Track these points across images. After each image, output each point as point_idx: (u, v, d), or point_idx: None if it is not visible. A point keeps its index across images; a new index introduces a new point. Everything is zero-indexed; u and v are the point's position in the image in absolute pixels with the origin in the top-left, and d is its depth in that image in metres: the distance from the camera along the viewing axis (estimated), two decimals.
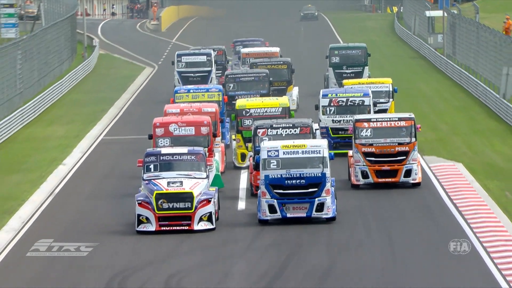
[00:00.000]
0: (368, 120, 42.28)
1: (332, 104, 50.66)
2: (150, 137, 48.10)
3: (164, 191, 37.66)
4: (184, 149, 41.11)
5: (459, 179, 51.65)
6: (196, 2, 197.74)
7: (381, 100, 52.62)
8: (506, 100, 76.57)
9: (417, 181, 41.62)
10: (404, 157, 40.70)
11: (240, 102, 52.18)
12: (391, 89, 53.99)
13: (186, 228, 37.17)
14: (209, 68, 76.11)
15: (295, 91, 68.95)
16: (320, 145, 37.97)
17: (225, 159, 51.04)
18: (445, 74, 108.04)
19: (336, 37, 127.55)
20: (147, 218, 37.05)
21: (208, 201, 37.31)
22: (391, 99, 54.03)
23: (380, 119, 42.59)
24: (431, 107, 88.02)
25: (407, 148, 40.82)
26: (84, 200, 54.54)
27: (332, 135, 50.13)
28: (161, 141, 46.77)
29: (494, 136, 71.80)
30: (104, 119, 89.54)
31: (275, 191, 36.58)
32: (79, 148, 73.20)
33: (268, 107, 49.83)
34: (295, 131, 43.83)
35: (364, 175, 41.79)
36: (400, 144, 40.90)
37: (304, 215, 36.60)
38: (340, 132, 49.81)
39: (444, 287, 29.48)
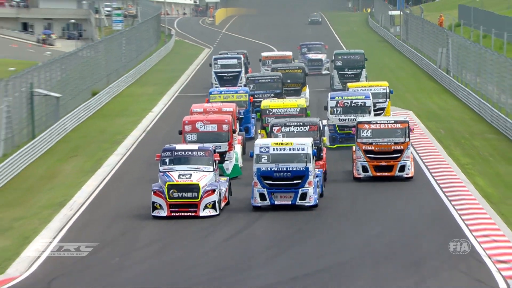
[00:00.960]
0: (369, 122, 44.30)
1: (338, 105, 52.97)
2: (180, 132, 49.97)
3: (175, 182, 39.97)
4: (195, 146, 43.70)
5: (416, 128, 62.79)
6: (237, 4, 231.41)
7: (380, 100, 55.73)
8: (441, 70, 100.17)
9: (410, 175, 43.58)
10: (399, 155, 42.52)
11: (265, 103, 54.99)
12: (387, 91, 56.90)
13: (193, 214, 39.38)
14: (239, 69, 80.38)
15: (307, 90, 72.16)
16: (305, 143, 40.41)
17: (245, 149, 52.91)
18: (401, 53, 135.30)
19: (336, 37, 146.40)
20: (160, 205, 39.40)
21: (213, 191, 39.61)
22: (388, 99, 57.05)
23: (379, 122, 45.05)
24: (393, 74, 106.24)
25: (401, 147, 42.69)
26: (164, 135, 69.43)
27: (338, 131, 52.49)
28: (189, 136, 49.05)
29: (433, 93, 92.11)
30: (178, 82, 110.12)
31: (265, 181, 39.13)
32: (162, 101, 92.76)
33: (288, 107, 52.50)
34: (305, 128, 45.51)
35: (365, 169, 43.58)
36: (395, 143, 42.69)
37: (290, 202, 39.00)
38: (345, 129, 52.01)
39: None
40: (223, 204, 39.73)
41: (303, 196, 37.92)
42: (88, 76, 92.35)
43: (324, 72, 74.36)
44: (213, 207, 38.46)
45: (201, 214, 38.17)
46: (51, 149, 67.56)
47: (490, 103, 73.57)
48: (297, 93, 65.74)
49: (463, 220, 40.47)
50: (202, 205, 38.32)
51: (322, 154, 44.22)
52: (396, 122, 43.27)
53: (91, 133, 76.17)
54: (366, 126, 42.99)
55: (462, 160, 56.66)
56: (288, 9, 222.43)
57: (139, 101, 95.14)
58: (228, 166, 45.73)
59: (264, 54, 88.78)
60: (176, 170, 40.45)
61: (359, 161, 43.27)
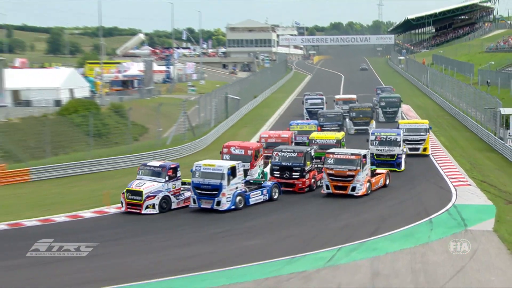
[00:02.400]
0: (333, 153, 46.13)
1: (376, 139, 54.93)
2: (220, 153, 53.08)
3: (131, 188, 44.39)
4: (158, 163, 47.31)
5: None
6: (323, 53, 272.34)
7: (421, 133, 58.62)
8: (423, 84, 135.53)
9: (359, 194, 45.42)
10: (351, 179, 44.47)
11: (312, 135, 56.94)
12: (427, 127, 58.98)
13: (138, 211, 43.82)
14: (322, 107, 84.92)
15: (374, 123, 74.76)
16: (222, 166, 44.41)
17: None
18: (404, 77, 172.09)
19: (378, 79, 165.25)
20: (122, 203, 44.30)
21: (154, 196, 43.80)
22: (427, 133, 59.24)
23: (339, 153, 46.82)
24: (398, 85, 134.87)
25: (353, 173, 44.56)
26: (290, 116, 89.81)
27: (376, 158, 53.74)
28: (225, 156, 51.55)
29: (418, 96, 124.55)
30: (296, 91, 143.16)
31: (196, 190, 44.13)
32: (288, 99, 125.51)
33: (327, 139, 54.44)
34: (294, 154, 48.53)
35: (327, 187, 46.05)
36: (349, 170, 44.67)
37: (209, 206, 43.65)
38: (380, 156, 54.18)
39: None
40: (181, 205, 45.26)
41: (218, 203, 43.16)
42: (252, 88, 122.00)
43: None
44: (154, 207, 43.59)
45: (143, 211, 43.20)
46: (235, 124, 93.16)
47: (448, 101, 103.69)
48: (366, 124, 70.53)
49: (436, 161, 60.24)
50: (144, 206, 43.18)
51: (304, 173, 48.43)
52: (352, 154, 45.90)
53: (252, 116, 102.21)
54: (331, 155, 46.20)
55: (434, 129, 76.61)
56: (348, 55, 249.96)
57: (276, 100, 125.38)
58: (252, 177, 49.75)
59: (337, 96, 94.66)
60: (138, 179, 45.54)
61: (324, 180, 46.94)
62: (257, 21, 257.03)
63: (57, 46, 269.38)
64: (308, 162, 47.93)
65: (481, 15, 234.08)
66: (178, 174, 44.98)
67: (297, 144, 57.08)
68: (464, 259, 30.54)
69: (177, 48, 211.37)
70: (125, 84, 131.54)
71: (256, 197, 45.15)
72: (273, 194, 45.87)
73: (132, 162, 61.78)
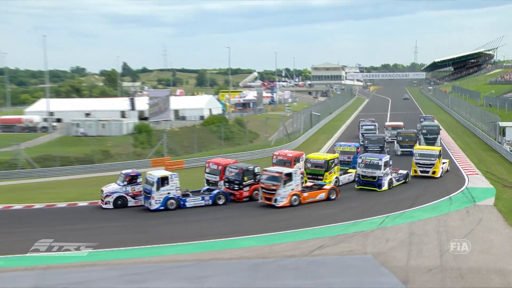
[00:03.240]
0: (265, 171, 39.66)
1: (362, 162, 44.58)
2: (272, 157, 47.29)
3: (102, 188, 39.78)
4: (125, 171, 40.68)
5: None
6: (375, 84, 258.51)
7: (431, 159, 48.75)
8: (449, 108, 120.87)
9: (280, 205, 38.28)
10: (274, 192, 38.00)
11: (308, 155, 47.25)
12: (438, 153, 49.26)
13: (102, 206, 38.86)
14: (375, 131, 70.89)
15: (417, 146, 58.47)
16: (154, 176, 38.34)
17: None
18: (432, 101, 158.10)
19: (418, 108, 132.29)
20: (101, 198, 39.08)
21: (109, 195, 38.65)
22: (438, 159, 49.13)
23: (269, 171, 39.68)
24: (430, 109, 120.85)
25: (275, 188, 38.12)
26: (351, 130, 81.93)
27: (361, 178, 43.65)
28: (273, 160, 45.85)
29: (442, 113, 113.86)
30: (357, 110, 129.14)
31: (144, 193, 38.74)
32: (353, 115, 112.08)
33: (318, 159, 44.63)
34: (236, 171, 41.26)
35: (261, 198, 39.19)
36: (273, 185, 38.28)
37: (146, 205, 38.40)
38: (364, 177, 43.87)
39: None
40: (138, 204, 38.99)
41: (150, 203, 37.76)
42: (328, 108, 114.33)
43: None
44: (109, 203, 38.40)
45: (103, 206, 38.43)
46: (317, 131, 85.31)
47: (462, 117, 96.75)
48: (411, 147, 57.28)
49: (454, 158, 57.72)
50: (104, 201, 38.51)
51: (242, 186, 40.80)
52: (276, 172, 39.38)
53: (328, 126, 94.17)
54: (264, 173, 39.65)
55: (452, 135, 76.98)
56: (393, 86, 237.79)
57: (344, 116, 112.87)
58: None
59: (387, 123, 78.85)
60: (113, 183, 40.39)
61: (258, 193, 40.12)
62: (332, 63, 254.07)
63: (202, 81, 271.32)
64: (246, 178, 40.64)
65: (485, 59, 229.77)
66: (138, 180, 39.24)
67: (341, 162, 47.46)
68: (473, 224, 30.94)
69: (278, 81, 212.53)
70: (244, 105, 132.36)
71: (195, 201, 38.78)
72: (217, 200, 39.29)
73: (248, 156, 60.66)
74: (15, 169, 57.95)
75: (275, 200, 38.03)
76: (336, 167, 45.03)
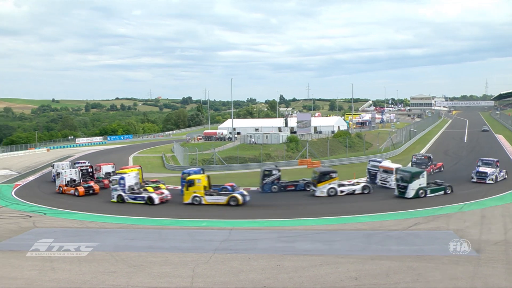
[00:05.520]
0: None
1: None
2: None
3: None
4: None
5: None
6: (457, 109, 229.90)
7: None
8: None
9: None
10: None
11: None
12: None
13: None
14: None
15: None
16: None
17: None
18: (499, 122, 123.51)
19: (496, 138, 79.27)
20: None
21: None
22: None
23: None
24: (497, 128, 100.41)
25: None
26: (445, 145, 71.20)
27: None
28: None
29: (507, 131, 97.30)
30: (444, 127, 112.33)
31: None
32: (439, 133, 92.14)
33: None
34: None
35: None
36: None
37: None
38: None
39: None
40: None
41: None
42: (422, 125, 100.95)
43: (488, 181, 36.93)
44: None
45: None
46: (414, 142, 76.17)
47: None
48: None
49: None
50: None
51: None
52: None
53: (422, 139, 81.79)
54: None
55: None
56: (469, 110, 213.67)
57: (434, 132, 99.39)
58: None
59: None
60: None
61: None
62: (424, 94, 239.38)
63: (333, 107, 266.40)
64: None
65: None
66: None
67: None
68: None
69: (387, 107, 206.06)
70: (362, 123, 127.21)
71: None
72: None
73: (363, 160, 56.13)
74: (212, 164, 59.23)
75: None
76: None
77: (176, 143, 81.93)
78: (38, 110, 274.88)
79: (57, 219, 29.41)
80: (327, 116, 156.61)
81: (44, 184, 47.65)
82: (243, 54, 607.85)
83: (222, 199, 33.18)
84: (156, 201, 33.96)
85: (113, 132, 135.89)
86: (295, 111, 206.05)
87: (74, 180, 41.43)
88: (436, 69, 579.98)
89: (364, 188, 36.27)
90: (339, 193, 35.83)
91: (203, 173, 38.45)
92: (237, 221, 27.84)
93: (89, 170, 46.87)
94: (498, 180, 38.80)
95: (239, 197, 32.98)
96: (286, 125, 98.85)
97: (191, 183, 33.90)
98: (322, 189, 35.90)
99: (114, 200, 35.42)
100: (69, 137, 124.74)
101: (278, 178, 39.22)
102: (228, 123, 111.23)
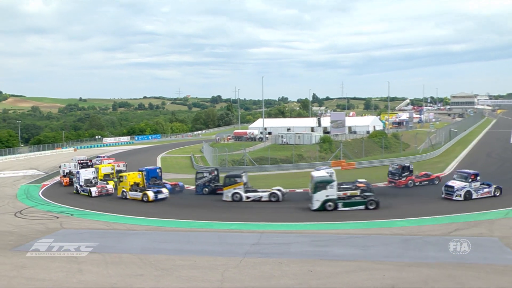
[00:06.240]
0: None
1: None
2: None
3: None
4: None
5: None
6: (502, 108, 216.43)
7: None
8: None
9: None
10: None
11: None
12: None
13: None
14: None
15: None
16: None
17: None
18: None
19: None
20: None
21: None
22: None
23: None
24: None
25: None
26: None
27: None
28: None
29: None
30: (487, 127, 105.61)
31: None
32: (481, 134, 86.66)
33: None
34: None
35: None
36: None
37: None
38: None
39: None
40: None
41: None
42: (463, 125, 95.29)
43: (454, 198, 32.27)
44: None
45: (454, 198, 32.38)
46: (454, 143, 70.88)
47: None
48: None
49: None
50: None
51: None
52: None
53: (464, 139, 77.54)
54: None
55: None
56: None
57: (476, 132, 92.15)
58: None
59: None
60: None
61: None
62: (466, 92, 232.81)
63: (368, 106, 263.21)
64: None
65: None
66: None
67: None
68: None
69: (425, 106, 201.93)
70: (399, 123, 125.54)
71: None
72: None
73: (399, 162, 54.43)
74: (242, 165, 58.85)
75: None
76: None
77: (205, 143, 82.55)
78: (65, 109, 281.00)
79: (84, 220, 29.97)
80: (362, 115, 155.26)
81: (70, 185, 48.31)
82: (275, 52, 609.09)
83: (139, 195, 36.81)
84: (94, 194, 39.47)
85: (141, 132, 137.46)
86: (328, 111, 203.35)
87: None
88: (479, 66, 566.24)
89: (271, 195, 34.86)
90: (244, 199, 34.82)
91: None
92: (269, 223, 27.76)
93: (89, 163, 50.80)
94: (472, 197, 32.70)
95: (150, 194, 36.02)
96: (319, 125, 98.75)
97: (120, 179, 38.89)
98: (227, 194, 35.29)
99: (74, 191, 41.76)
100: (96, 137, 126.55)
101: (211, 181, 40.26)
102: (259, 123, 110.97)
